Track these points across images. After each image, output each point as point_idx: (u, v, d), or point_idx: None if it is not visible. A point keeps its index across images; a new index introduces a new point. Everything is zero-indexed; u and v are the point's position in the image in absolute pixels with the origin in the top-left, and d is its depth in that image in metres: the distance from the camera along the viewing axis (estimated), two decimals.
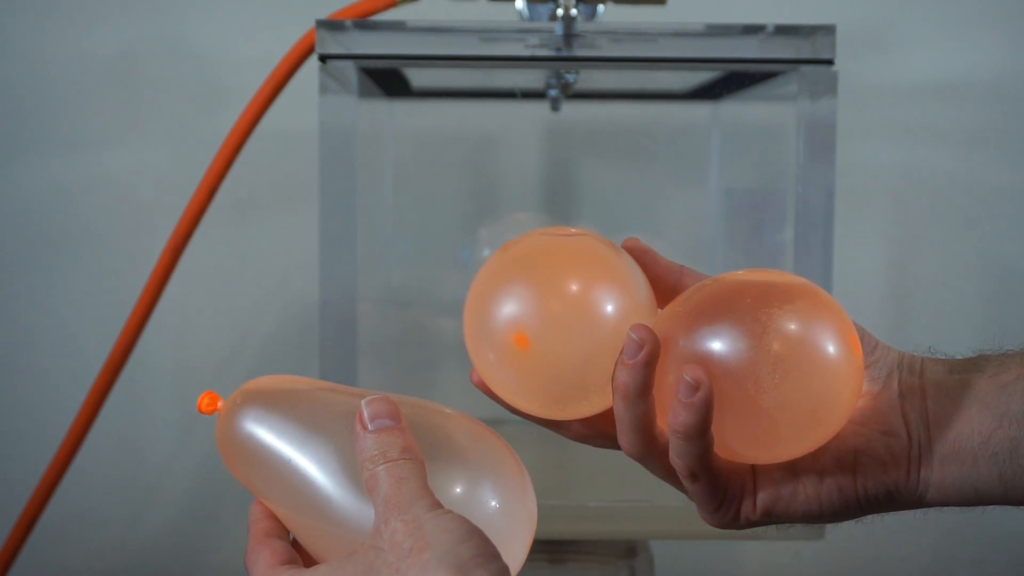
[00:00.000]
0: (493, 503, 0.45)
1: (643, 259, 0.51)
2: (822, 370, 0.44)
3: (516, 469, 0.47)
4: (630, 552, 0.88)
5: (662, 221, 1.15)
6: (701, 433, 0.44)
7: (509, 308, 0.47)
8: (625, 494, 0.83)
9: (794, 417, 0.44)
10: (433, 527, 0.41)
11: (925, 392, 0.47)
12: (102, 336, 1.08)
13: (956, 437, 0.46)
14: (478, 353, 0.49)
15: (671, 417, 0.44)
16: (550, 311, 0.46)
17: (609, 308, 0.46)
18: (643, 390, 0.45)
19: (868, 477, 0.46)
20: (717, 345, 0.44)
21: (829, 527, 0.78)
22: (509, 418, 0.52)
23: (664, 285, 0.51)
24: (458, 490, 0.45)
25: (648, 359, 0.44)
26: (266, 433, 0.48)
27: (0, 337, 1.14)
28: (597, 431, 0.50)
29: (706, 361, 0.44)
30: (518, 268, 0.48)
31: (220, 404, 0.52)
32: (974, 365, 0.47)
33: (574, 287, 0.47)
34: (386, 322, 1.08)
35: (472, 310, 0.49)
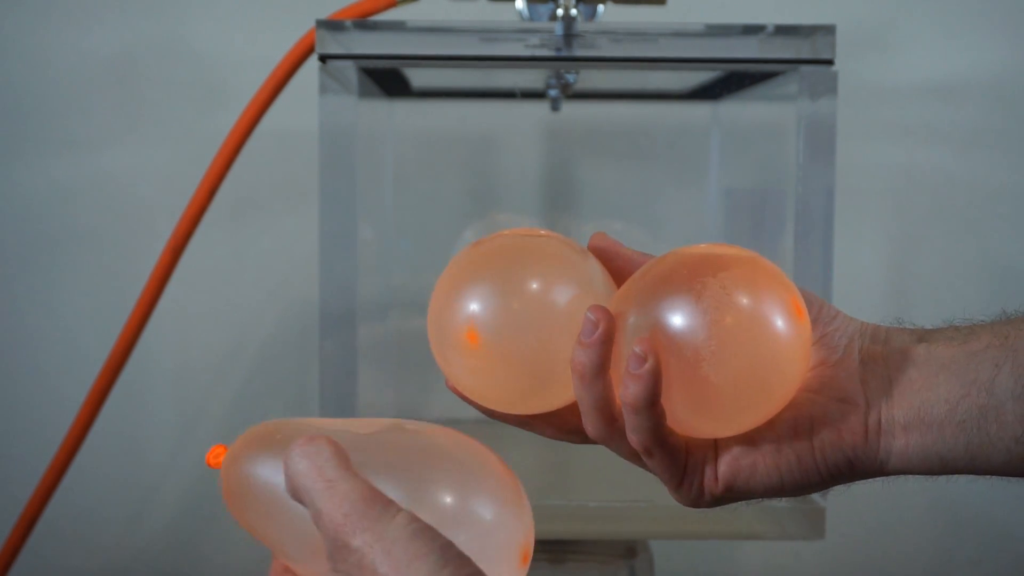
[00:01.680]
0: (487, 516, 0.45)
1: (608, 252, 0.51)
2: (762, 337, 0.44)
3: (510, 481, 0.47)
4: (630, 552, 0.88)
5: (662, 221, 1.15)
6: (651, 404, 0.44)
7: (459, 307, 0.47)
8: (625, 494, 0.83)
9: (737, 385, 0.44)
10: (402, 551, 0.39)
11: (889, 359, 0.47)
12: (102, 336, 1.08)
13: (921, 405, 0.45)
14: (439, 355, 0.50)
15: (622, 391, 0.44)
16: (498, 306, 0.47)
17: (561, 300, 0.47)
18: (600, 369, 0.45)
19: (825, 444, 0.46)
20: (658, 318, 0.45)
21: (829, 527, 0.78)
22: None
23: (629, 273, 0.51)
24: (448, 501, 0.44)
25: (604, 337, 0.45)
26: (263, 479, 0.47)
27: (0, 337, 1.14)
28: (570, 429, 0.51)
29: (652, 334, 0.45)
30: (470, 268, 0.49)
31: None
32: (942, 335, 0.47)
33: (525, 284, 0.47)
34: (386, 322, 1.08)
35: (431, 314, 0.50)
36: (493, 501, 0.45)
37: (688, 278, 0.45)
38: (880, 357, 0.47)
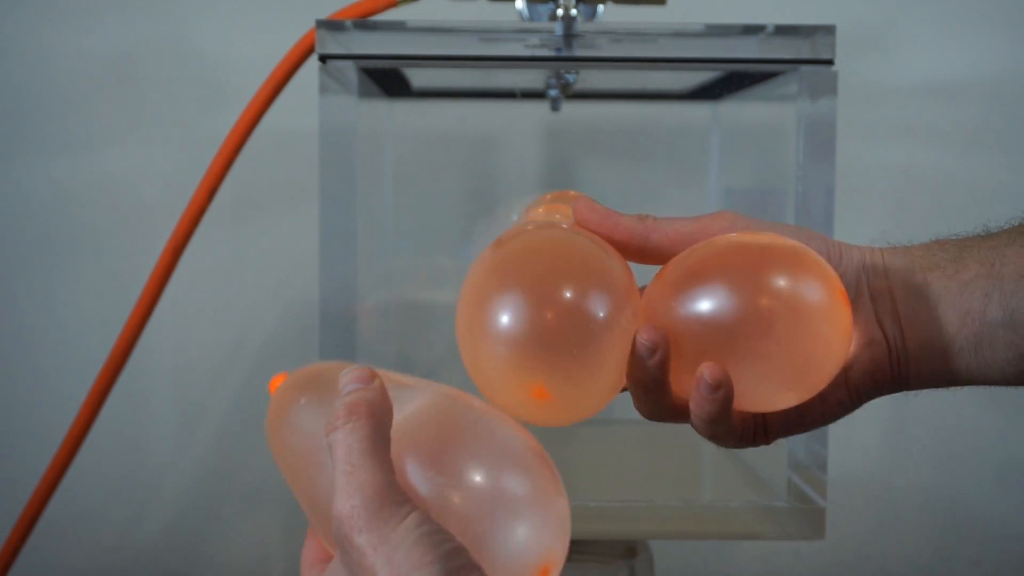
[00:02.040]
0: (520, 500, 0.42)
1: (604, 224, 0.51)
2: (816, 327, 0.46)
3: (548, 484, 0.44)
4: (630, 552, 0.88)
5: None
6: (725, 416, 0.47)
7: (520, 364, 0.45)
8: (625, 494, 0.83)
9: (795, 374, 0.46)
10: (404, 558, 0.37)
11: (893, 294, 0.50)
12: (102, 336, 1.08)
13: (928, 336, 0.49)
14: (487, 390, 0.47)
15: (695, 407, 0.47)
16: (562, 366, 0.45)
17: (607, 315, 0.46)
18: (660, 382, 0.47)
19: (860, 385, 0.50)
20: (716, 318, 0.46)
21: (829, 527, 0.78)
22: None
23: (634, 246, 0.51)
24: (473, 491, 0.41)
25: (662, 359, 0.46)
26: (300, 420, 0.46)
27: (0, 337, 1.14)
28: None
29: (714, 347, 0.46)
30: (508, 286, 0.46)
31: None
32: (933, 261, 0.51)
33: (574, 307, 0.45)
34: (386, 322, 1.08)
35: (466, 338, 0.47)
36: (521, 504, 0.42)
37: (740, 277, 0.46)
38: (885, 291, 0.50)
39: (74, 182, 1.13)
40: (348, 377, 0.43)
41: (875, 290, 0.50)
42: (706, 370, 0.45)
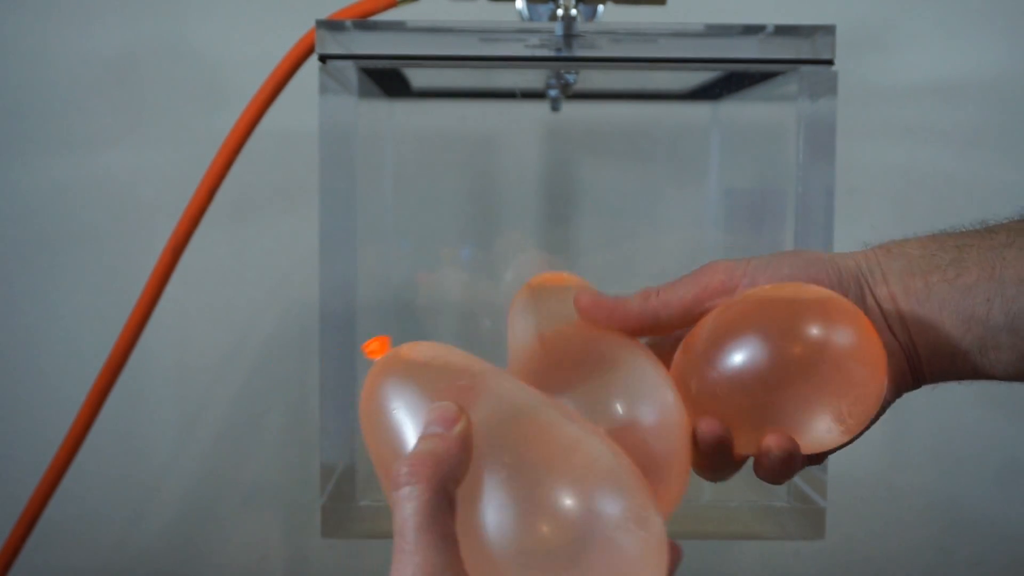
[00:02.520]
0: (613, 524, 0.38)
1: (612, 319, 0.52)
2: (863, 375, 0.47)
3: (639, 480, 0.41)
4: None
5: (662, 221, 1.15)
6: (792, 474, 0.49)
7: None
8: None
9: (850, 419, 0.48)
10: None
11: (896, 298, 0.51)
12: (102, 336, 1.08)
13: (935, 342, 0.51)
14: None
15: (766, 472, 0.49)
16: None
17: (656, 417, 0.47)
18: (728, 458, 0.50)
19: (887, 395, 0.51)
20: (770, 383, 0.47)
21: (829, 527, 0.78)
22: None
23: (645, 328, 0.52)
24: (567, 503, 0.38)
25: (729, 443, 0.49)
26: (395, 423, 0.43)
27: (0, 337, 1.14)
28: None
29: (762, 396, 0.47)
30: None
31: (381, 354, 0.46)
32: (932, 263, 0.52)
33: (629, 412, 0.47)
34: (386, 322, 1.08)
35: None
36: (615, 528, 0.38)
37: (783, 340, 0.47)
38: (889, 298, 0.51)
39: (74, 182, 1.13)
40: (431, 416, 0.41)
41: (879, 297, 0.51)
42: (773, 443, 0.47)
